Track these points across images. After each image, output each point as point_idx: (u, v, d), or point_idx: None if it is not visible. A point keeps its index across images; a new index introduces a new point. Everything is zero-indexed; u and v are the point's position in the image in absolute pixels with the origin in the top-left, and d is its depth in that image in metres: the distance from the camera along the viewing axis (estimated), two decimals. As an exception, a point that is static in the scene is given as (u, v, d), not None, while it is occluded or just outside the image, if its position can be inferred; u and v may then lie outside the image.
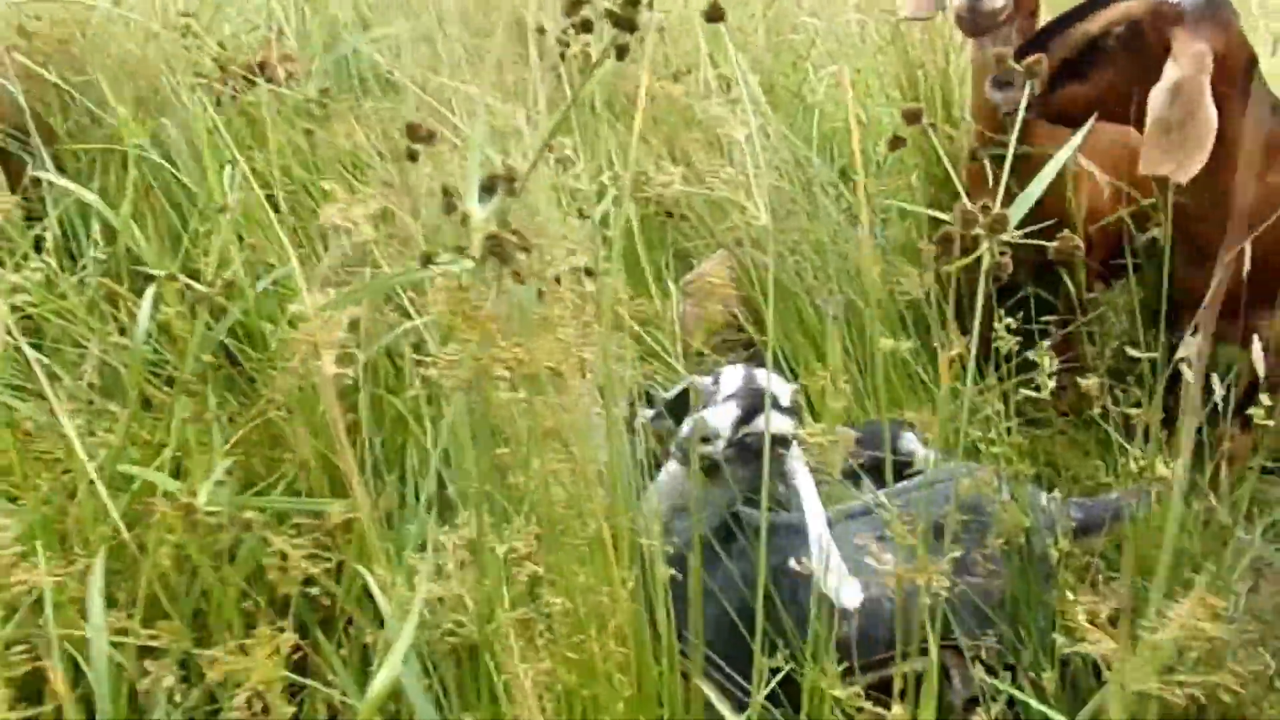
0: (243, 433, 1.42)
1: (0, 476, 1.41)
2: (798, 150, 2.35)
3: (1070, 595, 1.31)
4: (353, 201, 0.73)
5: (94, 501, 1.27)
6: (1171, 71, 1.63)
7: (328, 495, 1.41)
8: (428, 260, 0.63)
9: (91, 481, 1.28)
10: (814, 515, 1.28)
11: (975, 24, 1.96)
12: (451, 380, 0.61)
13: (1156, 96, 1.63)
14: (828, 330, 2.09)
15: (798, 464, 1.35)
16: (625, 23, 0.67)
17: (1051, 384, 1.23)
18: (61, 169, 2.07)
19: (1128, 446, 1.33)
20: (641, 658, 0.93)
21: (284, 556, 0.94)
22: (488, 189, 0.62)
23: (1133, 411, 1.42)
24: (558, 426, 0.81)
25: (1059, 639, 1.36)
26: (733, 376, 1.36)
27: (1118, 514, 1.56)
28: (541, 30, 1.34)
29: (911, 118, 1.28)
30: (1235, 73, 1.70)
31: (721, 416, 1.28)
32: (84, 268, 1.91)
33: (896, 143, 1.54)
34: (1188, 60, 1.62)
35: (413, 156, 0.63)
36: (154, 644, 0.91)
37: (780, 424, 1.30)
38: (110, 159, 1.95)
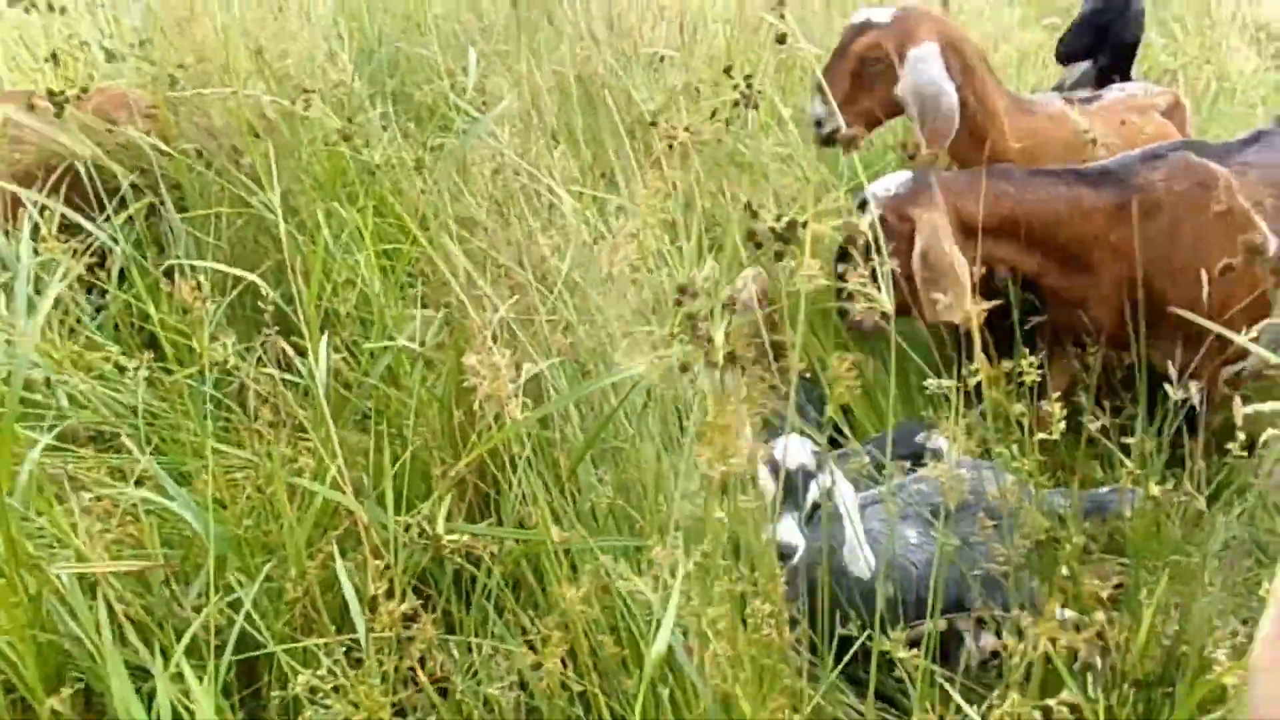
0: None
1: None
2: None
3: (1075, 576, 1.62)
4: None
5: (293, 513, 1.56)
6: (918, 242, 2.03)
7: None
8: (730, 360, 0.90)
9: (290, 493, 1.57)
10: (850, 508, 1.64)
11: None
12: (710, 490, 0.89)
13: (914, 264, 2.01)
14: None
15: (840, 483, 1.68)
16: (786, 239, 0.95)
17: (1062, 426, 1.51)
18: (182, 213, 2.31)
19: (1126, 463, 1.63)
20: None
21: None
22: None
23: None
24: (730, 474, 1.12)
25: (1068, 612, 1.68)
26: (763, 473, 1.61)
27: (1102, 506, 1.91)
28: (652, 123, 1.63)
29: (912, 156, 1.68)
30: (972, 223, 2.04)
31: (789, 533, 1.55)
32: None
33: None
34: (928, 231, 2.02)
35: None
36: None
37: (823, 483, 1.62)
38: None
